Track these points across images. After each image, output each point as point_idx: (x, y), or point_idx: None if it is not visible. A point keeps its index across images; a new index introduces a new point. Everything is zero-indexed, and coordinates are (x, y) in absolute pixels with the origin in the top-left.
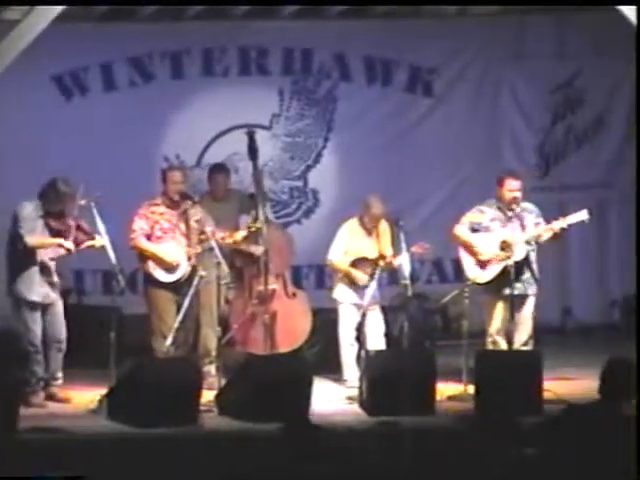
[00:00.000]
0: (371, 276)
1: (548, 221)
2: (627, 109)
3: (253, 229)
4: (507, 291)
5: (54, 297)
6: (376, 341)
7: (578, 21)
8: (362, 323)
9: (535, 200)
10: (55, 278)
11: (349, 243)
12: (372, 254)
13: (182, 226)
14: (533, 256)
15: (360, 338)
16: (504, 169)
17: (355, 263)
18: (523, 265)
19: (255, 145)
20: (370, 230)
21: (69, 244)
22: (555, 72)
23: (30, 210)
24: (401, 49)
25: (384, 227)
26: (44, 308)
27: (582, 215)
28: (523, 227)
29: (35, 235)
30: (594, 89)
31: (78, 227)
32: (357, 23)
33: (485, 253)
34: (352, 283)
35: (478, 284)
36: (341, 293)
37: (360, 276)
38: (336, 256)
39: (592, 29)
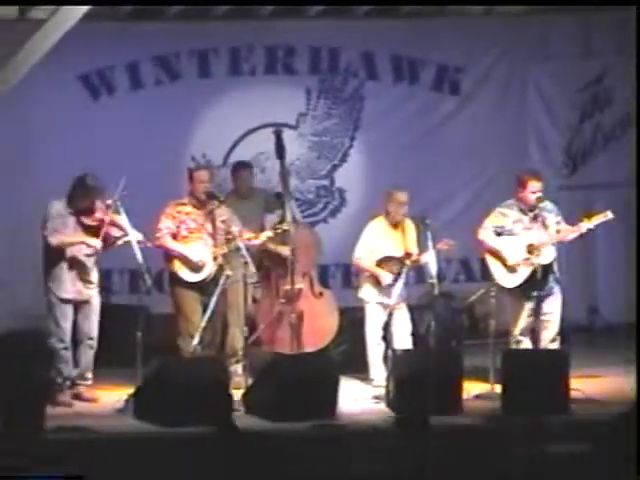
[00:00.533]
0: (397, 275)
1: (571, 220)
2: (635, 103)
3: (280, 230)
4: (534, 293)
5: (88, 294)
6: (403, 340)
7: (601, 20)
8: (389, 322)
9: (562, 199)
10: (93, 275)
11: (375, 242)
12: (398, 252)
13: (208, 226)
14: (556, 255)
15: (387, 337)
16: (525, 170)
17: (381, 262)
18: (549, 266)
19: (282, 144)
20: (396, 226)
21: (95, 242)
22: (581, 71)
23: (59, 207)
24: (427, 48)
25: (409, 224)
26: (76, 305)
27: (607, 216)
28: (545, 227)
29: (66, 232)
30: (621, 88)
31: (111, 222)
32: (383, 22)
33: (512, 258)
34: (378, 282)
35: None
36: (367, 292)
37: (385, 275)
38: (362, 255)
39: (615, 28)
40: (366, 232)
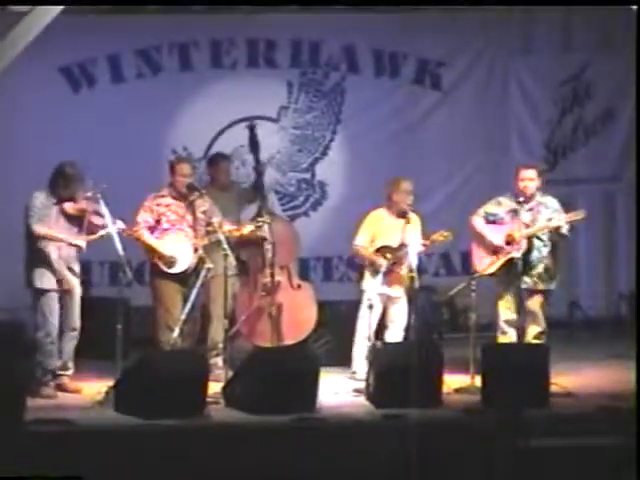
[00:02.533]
0: (393, 264)
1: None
2: (635, 103)
3: (260, 224)
4: (514, 284)
5: (73, 284)
6: (396, 333)
7: (585, 15)
8: (385, 314)
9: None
10: (76, 265)
11: (375, 231)
12: (395, 242)
13: (189, 217)
14: (545, 251)
15: (378, 329)
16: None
17: (378, 250)
18: (530, 260)
19: (256, 138)
20: (400, 215)
21: (80, 242)
22: (562, 66)
23: (42, 198)
24: (409, 42)
25: (414, 217)
26: (62, 295)
27: (578, 215)
28: (534, 221)
29: (50, 222)
30: (602, 82)
31: (94, 211)
32: (364, 16)
33: (493, 246)
34: (374, 271)
35: (483, 276)
36: (366, 283)
37: (381, 261)
38: (362, 243)
39: (599, 22)
40: (366, 221)
